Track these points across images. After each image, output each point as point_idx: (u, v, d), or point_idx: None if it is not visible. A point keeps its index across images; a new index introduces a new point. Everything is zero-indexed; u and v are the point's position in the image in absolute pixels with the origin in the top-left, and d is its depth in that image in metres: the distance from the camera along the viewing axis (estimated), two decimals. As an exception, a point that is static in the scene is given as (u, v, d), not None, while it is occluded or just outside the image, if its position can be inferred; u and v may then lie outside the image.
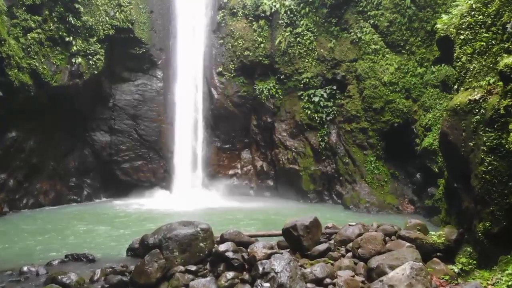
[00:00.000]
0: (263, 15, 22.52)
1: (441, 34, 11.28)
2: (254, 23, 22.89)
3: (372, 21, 20.27)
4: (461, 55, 10.47)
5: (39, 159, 19.42)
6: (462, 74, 10.42)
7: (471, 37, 10.30)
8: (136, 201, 21.22)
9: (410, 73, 19.34)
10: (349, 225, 10.56)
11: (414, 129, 18.82)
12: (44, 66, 18.24)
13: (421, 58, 19.22)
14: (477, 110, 9.45)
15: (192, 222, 9.90)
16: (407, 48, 19.62)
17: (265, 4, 22.25)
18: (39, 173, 19.62)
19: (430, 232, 10.42)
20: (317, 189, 21.51)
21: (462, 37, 10.48)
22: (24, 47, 17.53)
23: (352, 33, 20.93)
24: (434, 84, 18.25)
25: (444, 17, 11.40)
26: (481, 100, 9.40)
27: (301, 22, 21.96)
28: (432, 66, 18.56)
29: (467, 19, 10.41)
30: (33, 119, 18.69)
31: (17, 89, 17.06)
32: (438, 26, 11.54)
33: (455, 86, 10.68)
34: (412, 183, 19.65)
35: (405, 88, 19.37)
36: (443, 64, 17.91)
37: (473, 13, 10.30)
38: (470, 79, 10.11)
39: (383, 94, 19.72)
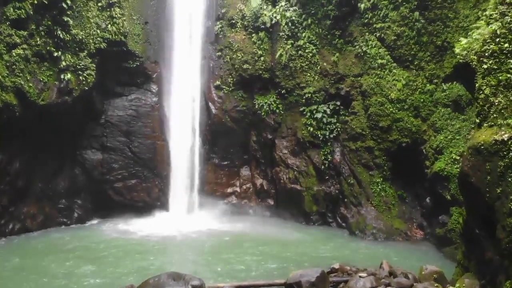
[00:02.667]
0: (263, 27, 21.38)
1: (460, 60, 10.18)
2: (253, 35, 21.75)
3: (378, 34, 19.14)
4: (484, 87, 9.39)
5: (25, 182, 18.33)
6: (485, 108, 9.33)
7: (495, 67, 9.21)
8: (129, 224, 20.11)
9: (419, 90, 18.21)
10: (360, 276, 9.46)
11: (424, 150, 17.72)
12: (30, 84, 17.12)
13: (430, 74, 18.08)
14: (504, 153, 8.37)
15: (182, 276, 8.82)
16: (415, 63, 18.48)
17: (265, 15, 21.13)
18: (26, 196, 18.52)
19: (449, 286, 9.34)
20: (320, 210, 20.40)
21: (485, 66, 9.40)
22: (8, 64, 16.42)
23: (357, 46, 19.81)
24: (445, 103, 17.13)
25: (463, 40, 10.30)
26: (509, 142, 8.33)
27: (303, 34, 20.85)
28: (443, 84, 17.43)
29: (491, 46, 9.32)
30: (18, 140, 17.62)
31: (0, 110, 16.00)
32: (457, 50, 10.44)
33: (477, 120, 9.57)
34: (421, 206, 18.57)
35: (413, 106, 18.26)
36: (454, 82, 16.84)
37: (497, 39, 9.22)
38: (495, 115, 9.02)
39: (390, 112, 18.61)
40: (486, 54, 9.40)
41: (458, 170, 14.98)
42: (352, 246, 16.65)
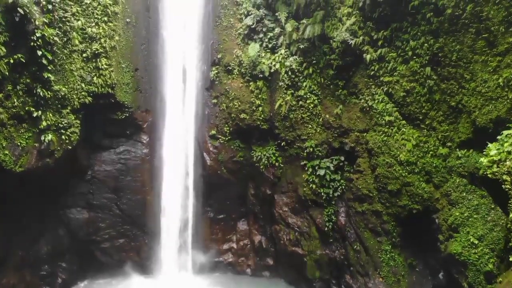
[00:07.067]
0: (261, 75, 19.89)
1: (489, 175, 8.67)
2: (251, 83, 20.27)
3: (385, 88, 17.60)
4: (521, 220, 7.88)
5: (4, 251, 16.96)
6: (522, 246, 7.83)
7: (535, 198, 7.70)
8: (116, 289, 18.76)
9: (431, 152, 16.65)
10: None
11: (437, 220, 16.18)
12: (6, 152, 15.65)
13: (443, 136, 16.49)
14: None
15: None
16: (426, 122, 16.91)
17: (264, 63, 19.64)
18: (4, 266, 17.16)
19: None
20: (324, 277, 18.89)
21: (521, 195, 7.89)
22: (-20, 133, 15.01)
23: (362, 100, 18.30)
24: (460, 172, 15.57)
25: (492, 150, 8.80)
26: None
27: (304, 84, 19.36)
28: (458, 150, 15.86)
29: (529, 172, 7.81)
30: (-6, 209, 16.23)
31: (-28, 184, 14.59)
32: (484, 162, 8.94)
33: (510, 259, 8.06)
34: (432, 276, 17.04)
35: (425, 170, 16.70)
36: (471, 150, 15.29)
37: (537, 166, 7.71)
38: (535, 259, 7.51)
39: (400, 174, 17.08)
40: (523, 179, 7.89)
41: (476, 256, 13.59)
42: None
